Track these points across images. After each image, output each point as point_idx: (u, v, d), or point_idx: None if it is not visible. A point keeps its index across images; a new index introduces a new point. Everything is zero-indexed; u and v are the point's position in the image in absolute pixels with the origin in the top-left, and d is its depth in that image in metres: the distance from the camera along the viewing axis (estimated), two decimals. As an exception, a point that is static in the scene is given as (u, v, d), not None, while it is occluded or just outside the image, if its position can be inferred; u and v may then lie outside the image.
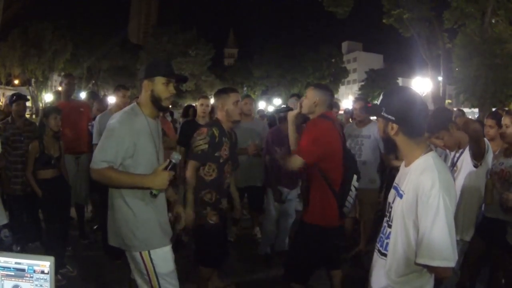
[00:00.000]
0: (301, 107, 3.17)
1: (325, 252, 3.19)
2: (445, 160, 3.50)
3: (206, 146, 3.19)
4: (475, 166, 3.22)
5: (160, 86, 2.37)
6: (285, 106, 3.44)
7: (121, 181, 2.28)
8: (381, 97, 1.92)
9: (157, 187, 2.27)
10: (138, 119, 2.36)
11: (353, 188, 3.13)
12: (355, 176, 3.13)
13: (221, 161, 3.27)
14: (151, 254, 2.38)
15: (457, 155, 3.37)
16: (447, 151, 3.53)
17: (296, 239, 3.35)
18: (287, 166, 3.08)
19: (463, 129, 3.18)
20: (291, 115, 3.24)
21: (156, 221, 2.44)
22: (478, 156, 3.17)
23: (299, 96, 4.90)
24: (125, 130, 2.28)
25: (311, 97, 3.14)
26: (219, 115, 3.37)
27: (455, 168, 3.33)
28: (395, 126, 1.82)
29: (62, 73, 21.92)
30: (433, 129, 3.20)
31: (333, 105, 5.51)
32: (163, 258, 2.43)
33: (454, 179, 3.17)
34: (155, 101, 2.39)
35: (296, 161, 2.97)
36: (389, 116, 1.82)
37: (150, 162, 2.40)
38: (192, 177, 3.22)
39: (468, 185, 3.28)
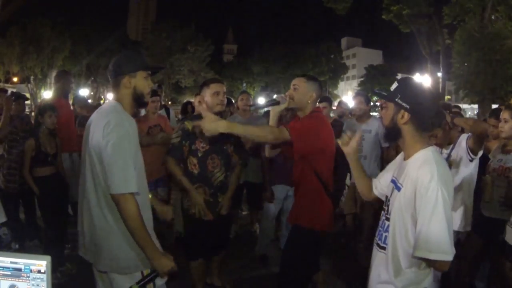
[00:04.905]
0: (291, 100, 2.85)
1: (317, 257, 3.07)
2: None
3: (178, 139, 3.19)
4: (471, 160, 3.36)
5: (142, 81, 2.18)
6: (273, 99, 3.08)
7: (133, 222, 1.95)
8: (395, 84, 1.89)
9: (158, 266, 1.98)
10: (129, 123, 2.11)
11: (346, 187, 3.06)
12: (348, 175, 3.07)
13: (199, 154, 3.19)
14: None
15: (446, 151, 3.49)
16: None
17: (291, 248, 2.97)
18: (259, 135, 2.65)
19: (471, 128, 3.27)
20: (276, 110, 2.94)
21: (153, 233, 2.17)
22: (476, 151, 3.31)
23: None
24: (129, 142, 2.04)
25: (305, 91, 2.82)
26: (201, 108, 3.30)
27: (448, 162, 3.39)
28: (406, 115, 1.81)
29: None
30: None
31: (325, 99, 5.48)
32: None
33: None
34: (138, 98, 2.18)
35: (283, 132, 2.62)
36: (404, 104, 1.81)
37: (140, 165, 2.18)
38: (175, 170, 3.20)
39: (466, 178, 3.45)
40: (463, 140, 3.41)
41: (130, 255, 2.08)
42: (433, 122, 1.98)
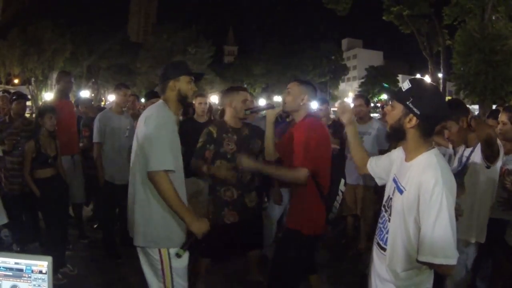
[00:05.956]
0: (284, 104, 2.94)
1: (310, 260, 3.08)
2: (449, 160, 3.40)
3: (201, 144, 3.43)
4: (488, 167, 3.06)
5: (185, 85, 2.56)
6: (268, 103, 3.29)
7: (168, 195, 2.27)
8: (407, 84, 1.80)
9: (195, 229, 2.30)
10: (168, 116, 2.51)
11: (340, 193, 3.02)
12: (342, 180, 3.06)
13: (228, 156, 3.38)
14: (169, 252, 2.44)
15: (465, 154, 3.19)
16: (450, 148, 3.46)
17: (282, 251, 2.98)
18: (291, 179, 2.81)
19: (477, 132, 2.99)
20: (271, 114, 3.03)
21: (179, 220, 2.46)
22: (491, 158, 3.01)
23: None
24: (166, 130, 2.41)
25: (297, 94, 2.88)
26: (227, 111, 3.53)
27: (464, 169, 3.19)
28: (415, 120, 1.75)
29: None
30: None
31: (322, 101, 5.46)
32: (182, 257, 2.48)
33: (463, 181, 3.06)
34: (182, 98, 2.58)
35: (302, 173, 2.69)
36: (415, 109, 1.74)
37: (179, 158, 2.52)
38: (200, 164, 3.37)
39: (481, 186, 3.10)
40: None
41: (155, 232, 2.42)
42: (440, 123, 1.92)
